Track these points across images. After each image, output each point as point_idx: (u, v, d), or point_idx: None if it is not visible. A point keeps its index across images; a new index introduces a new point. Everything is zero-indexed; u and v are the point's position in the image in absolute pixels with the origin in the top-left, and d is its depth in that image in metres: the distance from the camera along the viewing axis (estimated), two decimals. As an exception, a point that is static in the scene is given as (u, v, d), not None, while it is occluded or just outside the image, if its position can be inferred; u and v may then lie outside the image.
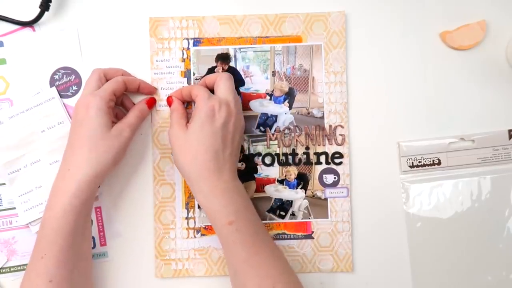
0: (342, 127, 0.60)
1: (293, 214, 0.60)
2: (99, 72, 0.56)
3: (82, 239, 0.53)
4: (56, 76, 0.60)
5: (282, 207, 0.60)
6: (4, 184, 0.59)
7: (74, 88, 0.60)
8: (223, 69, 0.60)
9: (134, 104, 0.59)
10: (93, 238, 0.59)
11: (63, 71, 0.60)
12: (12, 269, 0.59)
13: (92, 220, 0.58)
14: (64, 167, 0.52)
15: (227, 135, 0.53)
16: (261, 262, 0.51)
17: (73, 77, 0.60)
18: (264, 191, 0.60)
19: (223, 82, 0.55)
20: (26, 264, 0.59)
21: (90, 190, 0.51)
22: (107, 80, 0.56)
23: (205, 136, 0.52)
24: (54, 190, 0.52)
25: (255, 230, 0.52)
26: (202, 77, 0.59)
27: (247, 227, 0.51)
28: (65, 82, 0.60)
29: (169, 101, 0.58)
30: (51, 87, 0.60)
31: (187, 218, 0.60)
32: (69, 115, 0.59)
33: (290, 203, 0.60)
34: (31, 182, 0.59)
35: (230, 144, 0.53)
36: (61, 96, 0.60)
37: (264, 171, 0.60)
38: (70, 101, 0.60)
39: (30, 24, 0.59)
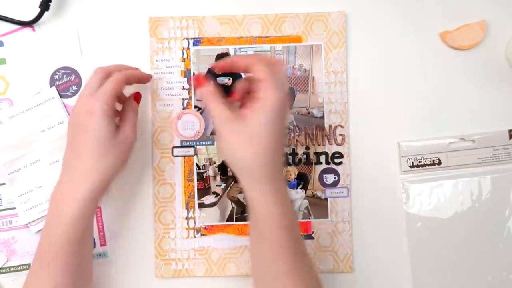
0: (342, 127, 0.60)
1: (293, 214, 0.60)
2: (102, 72, 0.53)
3: (88, 244, 0.53)
4: (56, 76, 0.60)
5: (282, 207, 0.60)
6: (4, 184, 0.59)
7: (74, 88, 0.60)
8: (223, 69, 0.60)
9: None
10: (93, 238, 0.59)
11: (63, 71, 0.60)
12: (12, 269, 0.59)
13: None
14: (72, 174, 0.50)
15: (285, 131, 0.50)
16: (302, 274, 0.48)
17: (73, 77, 0.60)
18: (264, 191, 0.60)
19: (283, 71, 0.49)
20: (26, 264, 0.59)
21: (100, 197, 0.51)
22: None
23: (278, 130, 0.47)
24: (60, 196, 0.50)
25: (299, 236, 0.50)
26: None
27: (297, 232, 0.49)
28: (65, 82, 0.60)
29: (201, 81, 0.50)
30: (51, 87, 0.60)
31: (187, 218, 0.60)
32: (69, 115, 0.59)
33: (290, 203, 0.60)
34: (31, 182, 0.59)
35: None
36: (61, 96, 0.60)
37: (264, 171, 0.60)
38: (70, 101, 0.60)
39: (30, 24, 0.59)
